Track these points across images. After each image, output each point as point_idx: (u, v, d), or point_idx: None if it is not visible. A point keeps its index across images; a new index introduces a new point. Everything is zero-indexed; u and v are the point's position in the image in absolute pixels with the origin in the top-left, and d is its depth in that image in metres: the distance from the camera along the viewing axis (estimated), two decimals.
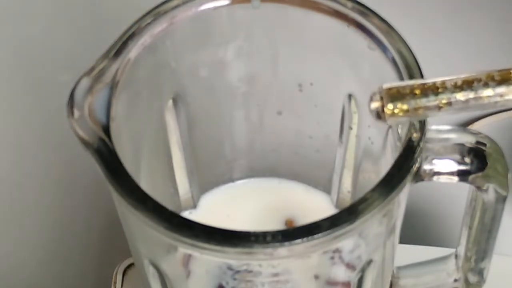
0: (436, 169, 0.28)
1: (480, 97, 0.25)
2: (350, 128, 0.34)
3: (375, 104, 0.26)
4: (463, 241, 0.33)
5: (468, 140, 0.29)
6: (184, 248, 0.26)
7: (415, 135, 0.27)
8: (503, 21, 0.54)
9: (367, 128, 0.33)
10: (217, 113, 0.35)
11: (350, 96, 0.33)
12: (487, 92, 0.25)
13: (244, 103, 0.35)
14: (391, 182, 0.26)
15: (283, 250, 0.25)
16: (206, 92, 0.34)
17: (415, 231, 0.44)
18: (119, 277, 0.39)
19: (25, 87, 0.45)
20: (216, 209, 0.37)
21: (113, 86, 0.28)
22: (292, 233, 0.25)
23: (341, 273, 0.31)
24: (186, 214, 0.37)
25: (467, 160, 0.29)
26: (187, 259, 0.31)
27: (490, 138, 0.29)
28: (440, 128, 0.29)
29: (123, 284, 0.39)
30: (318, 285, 0.31)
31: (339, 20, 0.31)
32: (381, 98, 0.25)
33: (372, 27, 0.30)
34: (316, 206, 0.37)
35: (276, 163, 0.38)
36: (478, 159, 0.29)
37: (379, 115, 0.26)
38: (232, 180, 0.38)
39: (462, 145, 0.29)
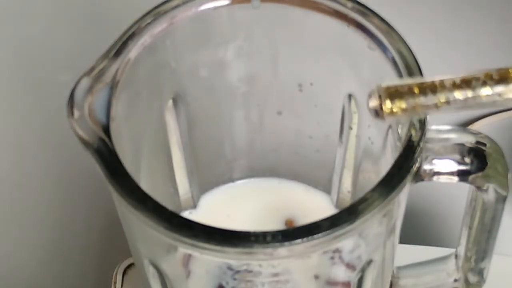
0: (436, 169, 0.28)
1: (479, 96, 0.25)
2: (350, 128, 0.34)
3: (374, 102, 0.26)
4: (463, 241, 0.33)
5: (468, 140, 0.29)
6: (184, 248, 0.26)
7: (415, 135, 0.27)
8: (503, 21, 0.54)
9: (367, 128, 0.33)
10: (217, 113, 0.35)
11: (350, 96, 0.33)
12: (486, 91, 0.25)
13: (244, 103, 0.35)
14: (391, 182, 0.26)
15: (283, 250, 0.25)
16: (206, 92, 0.34)
17: (415, 231, 0.44)
18: (119, 277, 0.39)
19: (25, 87, 0.45)
20: (216, 209, 0.37)
21: (113, 86, 0.28)
22: (292, 233, 0.25)
23: (341, 273, 0.31)
24: (186, 214, 0.37)
25: (467, 160, 0.29)
26: (187, 259, 0.31)
27: (490, 138, 0.29)
28: (440, 128, 0.29)
29: (123, 284, 0.39)
30: (318, 285, 0.31)
31: (339, 20, 0.31)
32: (380, 96, 0.25)
33: (372, 27, 0.30)
34: (316, 206, 0.37)
35: (276, 163, 0.38)
36: (478, 159, 0.29)
37: (378, 113, 0.26)
38: (232, 180, 0.38)
39: (462, 145, 0.29)
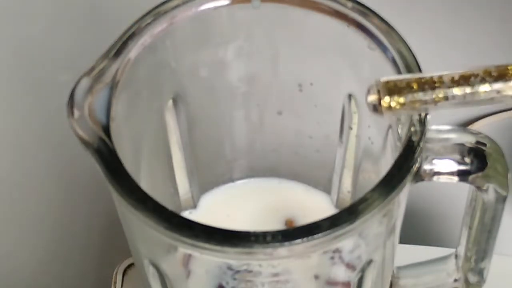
0: (436, 169, 0.28)
1: (477, 93, 0.25)
2: (350, 128, 0.34)
3: (372, 97, 0.26)
4: (463, 241, 0.33)
5: (468, 140, 0.29)
6: (184, 248, 0.26)
7: (415, 135, 0.27)
8: (503, 21, 0.54)
9: (367, 128, 0.33)
10: (217, 113, 0.35)
11: (350, 96, 0.33)
12: (484, 88, 0.25)
13: (244, 103, 0.35)
14: (391, 182, 0.26)
15: (283, 250, 0.25)
16: (206, 92, 0.34)
17: (415, 231, 0.44)
18: (119, 277, 0.39)
19: (25, 87, 0.45)
20: (216, 209, 0.37)
21: (113, 86, 0.28)
22: (292, 233, 0.25)
23: (341, 273, 0.31)
24: (186, 214, 0.37)
25: (467, 160, 0.29)
26: (187, 259, 0.31)
27: (490, 138, 0.29)
28: (440, 128, 0.29)
29: (123, 284, 0.39)
30: (318, 285, 0.31)
31: (339, 20, 0.31)
32: (378, 91, 0.25)
33: (372, 27, 0.30)
34: (316, 206, 0.37)
35: (276, 163, 0.38)
36: (478, 159, 0.29)
37: (376, 108, 0.26)
38: (232, 180, 0.38)
39: (462, 145, 0.29)
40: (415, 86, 0.25)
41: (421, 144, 0.27)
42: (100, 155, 0.27)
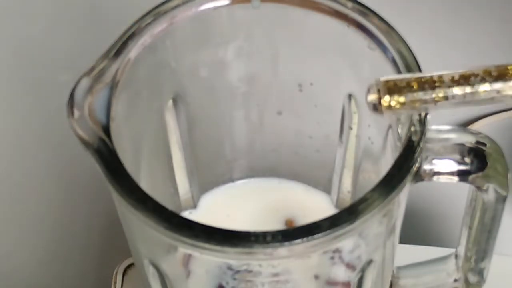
0: (436, 169, 0.28)
1: (477, 92, 0.25)
2: (350, 128, 0.34)
3: (372, 96, 0.26)
4: (463, 241, 0.33)
5: (468, 140, 0.29)
6: (184, 248, 0.26)
7: (415, 135, 0.27)
8: (503, 21, 0.54)
9: (367, 128, 0.33)
10: (217, 113, 0.35)
11: (350, 96, 0.33)
12: (484, 87, 0.25)
13: (244, 103, 0.35)
14: (391, 182, 0.26)
15: (283, 250, 0.25)
16: (206, 92, 0.34)
17: (415, 231, 0.44)
18: (119, 277, 0.39)
19: (25, 87, 0.45)
20: (216, 209, 0.37)
21: (113, 86, 0.28)
22: (292, 233, 0.25)
23: (341, 273, 0.31)
24: (186, 214, 0.37)
25: (467, 160, 0.29)
26: (187, 259, 0.31)
27: (490, 138, 0.29)
28: (440, 128, 0.29)
29: (123, 284, 0.39)
30: (318, 285, 0.31)
31: (339, 20, 0.31)
32: (378, 91, 0.25)
33: (372, 27, 0.30)
34: (316, 206, 0.37)
35: (276, 163, 0.38)
36: (478, 159, 0.29)
37: (376, 107, 0.26)
38: (232, 180, 0.38)
39: (462, 145, 0.29)
40: (415, 85, 0.25)
41: (421, 144, 0.27)
42: (100, 155, 0.27)
